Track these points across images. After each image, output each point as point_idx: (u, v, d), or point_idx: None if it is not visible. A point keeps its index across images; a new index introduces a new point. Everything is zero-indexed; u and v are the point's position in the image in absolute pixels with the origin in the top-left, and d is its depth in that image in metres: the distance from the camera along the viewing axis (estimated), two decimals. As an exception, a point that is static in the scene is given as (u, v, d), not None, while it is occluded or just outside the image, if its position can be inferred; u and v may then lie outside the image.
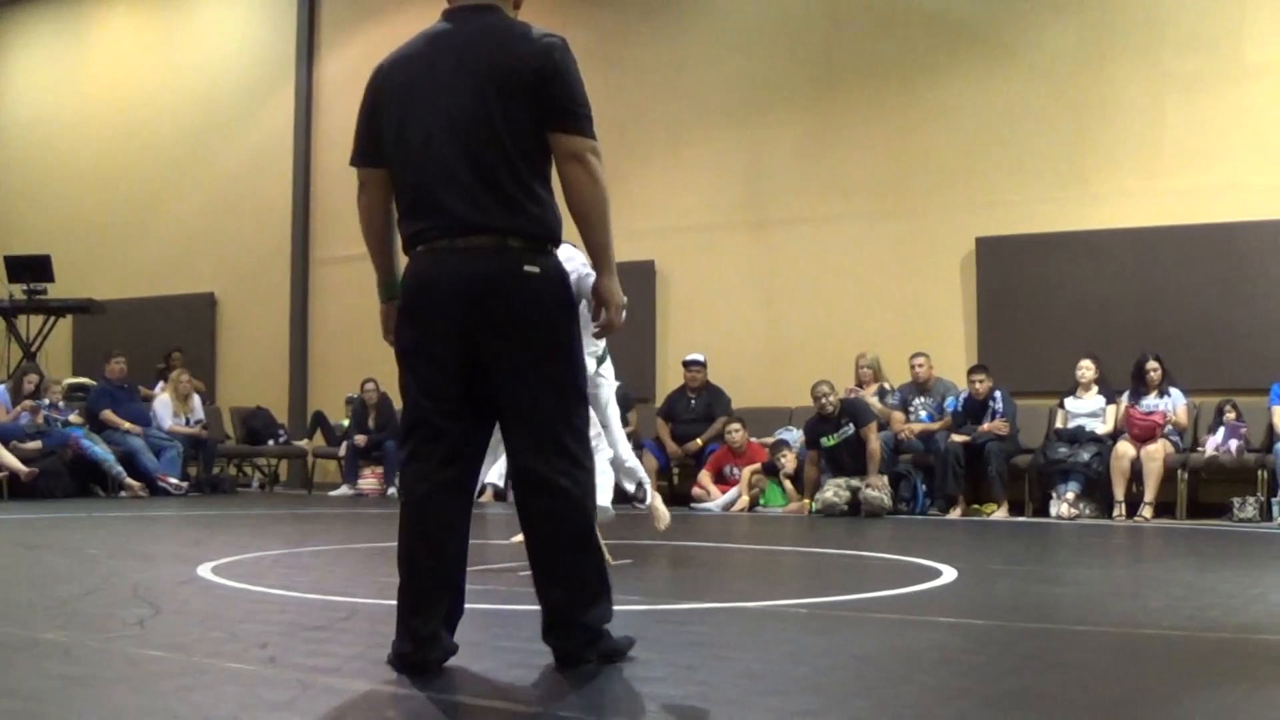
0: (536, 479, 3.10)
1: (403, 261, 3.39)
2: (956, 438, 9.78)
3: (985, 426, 9.82)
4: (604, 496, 5.67)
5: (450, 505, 3.15)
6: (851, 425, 9.83)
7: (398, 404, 13.51)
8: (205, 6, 15.57)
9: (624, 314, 3.21)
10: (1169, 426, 9.45)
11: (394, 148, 3.25)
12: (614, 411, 6.71)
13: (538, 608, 4.24)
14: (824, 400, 9.85)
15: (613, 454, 7.15)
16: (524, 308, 3.08)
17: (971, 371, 10.17)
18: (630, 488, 7.12)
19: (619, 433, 6.82)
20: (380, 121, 3.29)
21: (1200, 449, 9.45)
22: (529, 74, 3.08)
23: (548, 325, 3.10)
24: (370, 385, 12.54)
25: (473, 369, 3.11)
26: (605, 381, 6.49)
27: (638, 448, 9.13)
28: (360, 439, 12.31)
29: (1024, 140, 10.82)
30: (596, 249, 3.17)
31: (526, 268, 3.07)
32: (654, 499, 6.47)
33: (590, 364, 6.22)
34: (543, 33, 3.16)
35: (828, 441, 9.89)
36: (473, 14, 3.26)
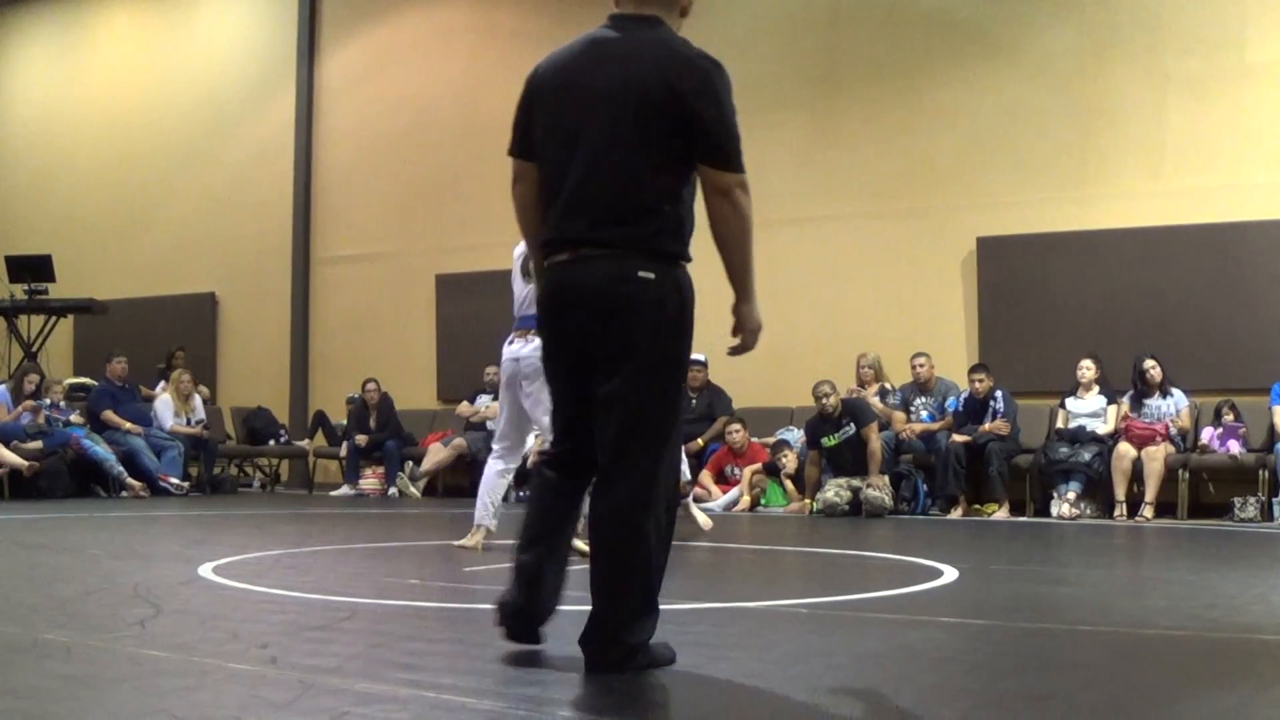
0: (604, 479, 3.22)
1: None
2: (958, 438, 9.79)
3: (986, 426, 9.82)
4: None
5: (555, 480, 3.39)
6: (852, 425, 9.83)
7: (401, 404, 13.43)
8: (205, 6, 15.58)
9: (757, 338, 3.33)
10: (1174, 431, 9.45)
11: (543, 147, 3.27)
12: None
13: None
14: (825, 400, 9.85)
15: None
16: (633, 312, 3.14)
17: (972, 371, 10.17)
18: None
19: None
20: (532, 118, 3.30)
21: (1201, 448, 9.45)
22: (679, 97, 3.15)
23: (646, 326, 3.15)
24: (371, 385, 12.54)
25: (589, 367, 3.22)
26: None
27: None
28: (361, 439, 12.32)
29: (1025, 140, 10.82)
30: (736, 276, 3.24)
31: (641, 274, 3.13)
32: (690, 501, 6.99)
33: None
34: (701, 55, 3.24)
35: (829, 441, 9.89)
36: (636, 25, 3.26)
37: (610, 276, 3.12)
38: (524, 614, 3.31)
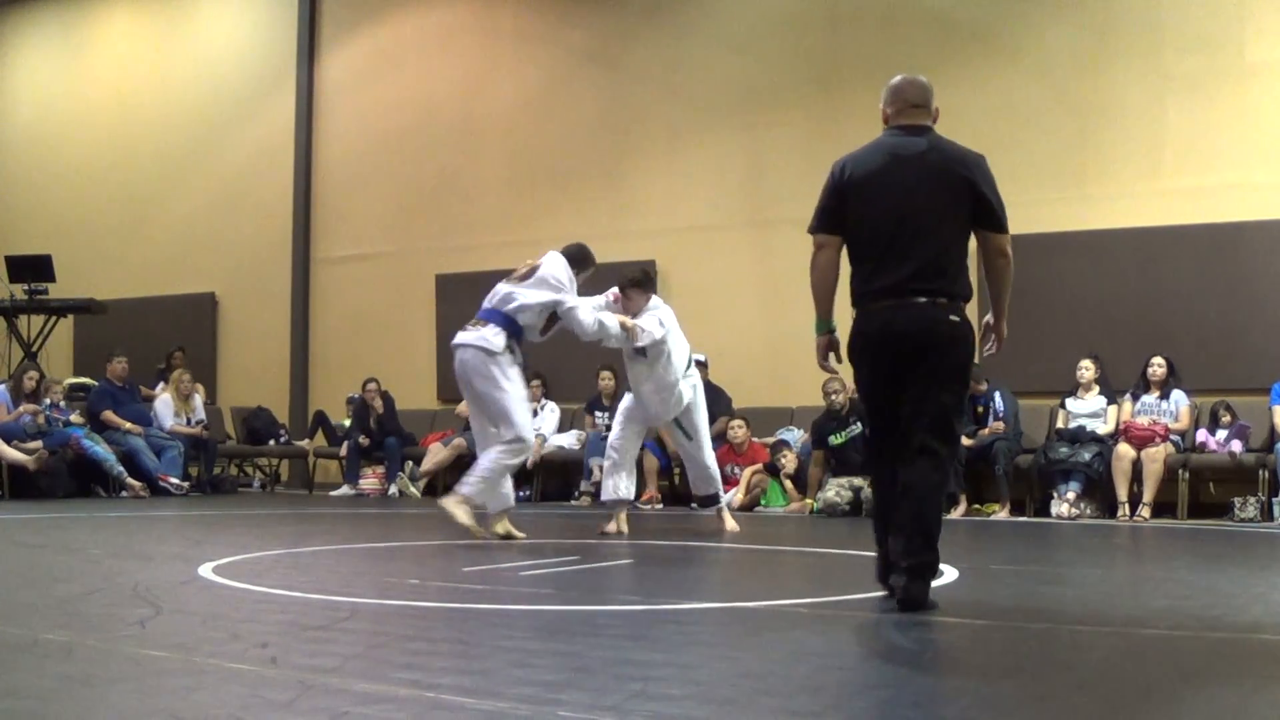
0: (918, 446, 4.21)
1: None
2: (965, 441, 9.76)
3: (986, 430, 9.83)
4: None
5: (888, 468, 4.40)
6: (859, 423, 9.83)
7: (401, 404, 13.37)
8: (205, 6, 15.58)
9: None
10: (1174, 434, 9.45)
11: (859, 225, 4.41)
12: (703, 416, 7.76)
13: (538, 608, 4.24)
14: (834, 397, 9.85)
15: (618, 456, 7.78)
16: (946, 345, 4.28)
17: None
18: (710, 491, 7.74)
19: (706, 436, 7.89)
20: (844, 204, 4.43)
21: (1197, 446, 9.45)
22: (969, 183, 4.36)
23: (954, 355, 4.33)
24: (371, 385, 12.55)
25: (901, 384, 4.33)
26: (693, 386, 7.57)
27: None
28: (363, 439, 12.32)
29: (1025, 141, 10.81)
30: (1000, 305, 4.46)
31: (951, 318, 4.28)
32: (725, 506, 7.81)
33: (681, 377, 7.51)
34: (969, 150, 4.52)
35: (836, 439, 9.89)
36: (918, 132, 4.46)
37: (931, 318, 4.26)
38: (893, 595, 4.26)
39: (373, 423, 12.42)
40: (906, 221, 4.27)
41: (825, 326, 4.58)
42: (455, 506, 6.60)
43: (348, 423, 13.01)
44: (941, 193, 4.30)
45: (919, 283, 4.24)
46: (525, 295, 6.80)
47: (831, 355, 4.62)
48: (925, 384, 4.23)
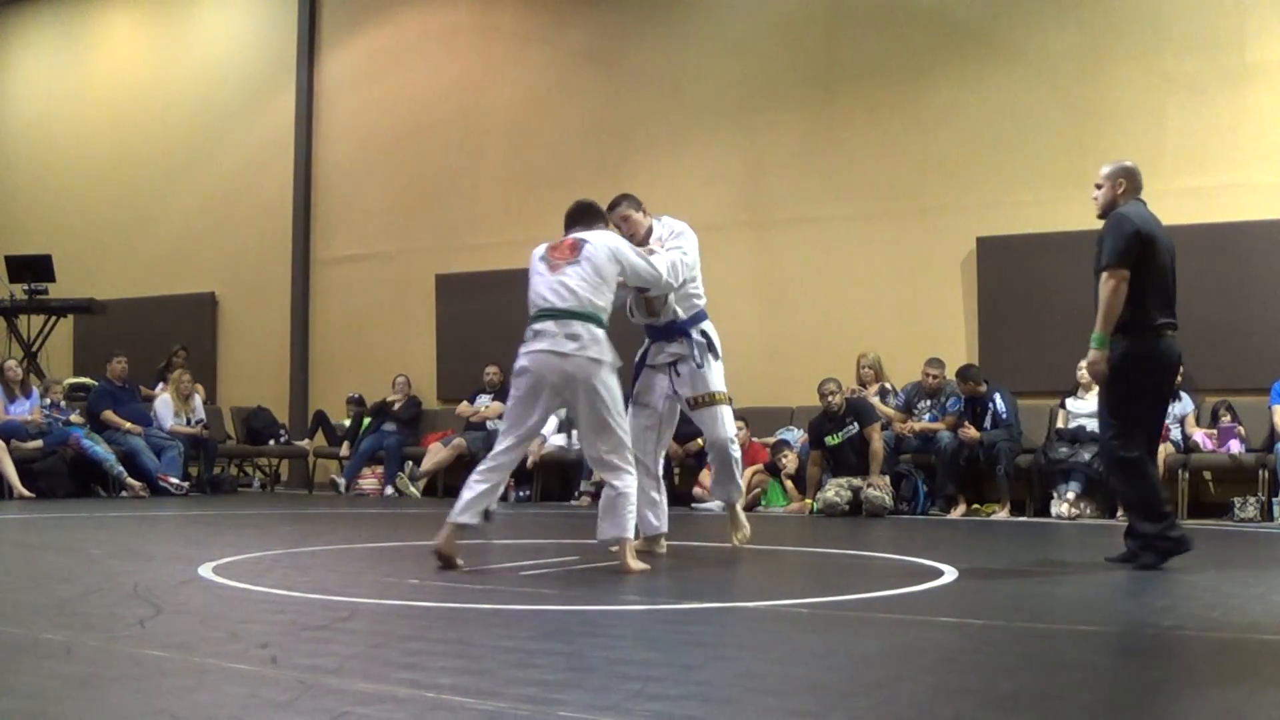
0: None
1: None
2: (971, 432, 9.74)
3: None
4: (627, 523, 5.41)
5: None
6: (856, 424, 9.83)
7: (431, 404, 13.29)
8: (205, 6, 15.58)
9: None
10: (1173, 432, 9.44)
11: (1149, 270, 5.65)
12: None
13: (538, 608, 4.25)
14: (830, 398, 9.85)
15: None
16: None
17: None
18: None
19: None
20: (1143, 250, 5.60)
21: (1196, 447, 9.45)
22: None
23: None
24: (401, 379, 12.65)
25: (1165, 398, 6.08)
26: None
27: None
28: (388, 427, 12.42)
29: (1025, 140, 10.82)
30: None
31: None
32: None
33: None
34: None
35: (832, 440, 9.89)
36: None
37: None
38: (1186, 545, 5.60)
39: (401, 413, 12.51)
40: (1170, 272, 5.73)
41: (1103, 343, 5.57)
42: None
43: (347, 422, 13.02)
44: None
45: (1175, 320, 5.75)
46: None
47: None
48: (1173, 398, 5.70)
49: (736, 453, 6.41)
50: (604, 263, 5.51)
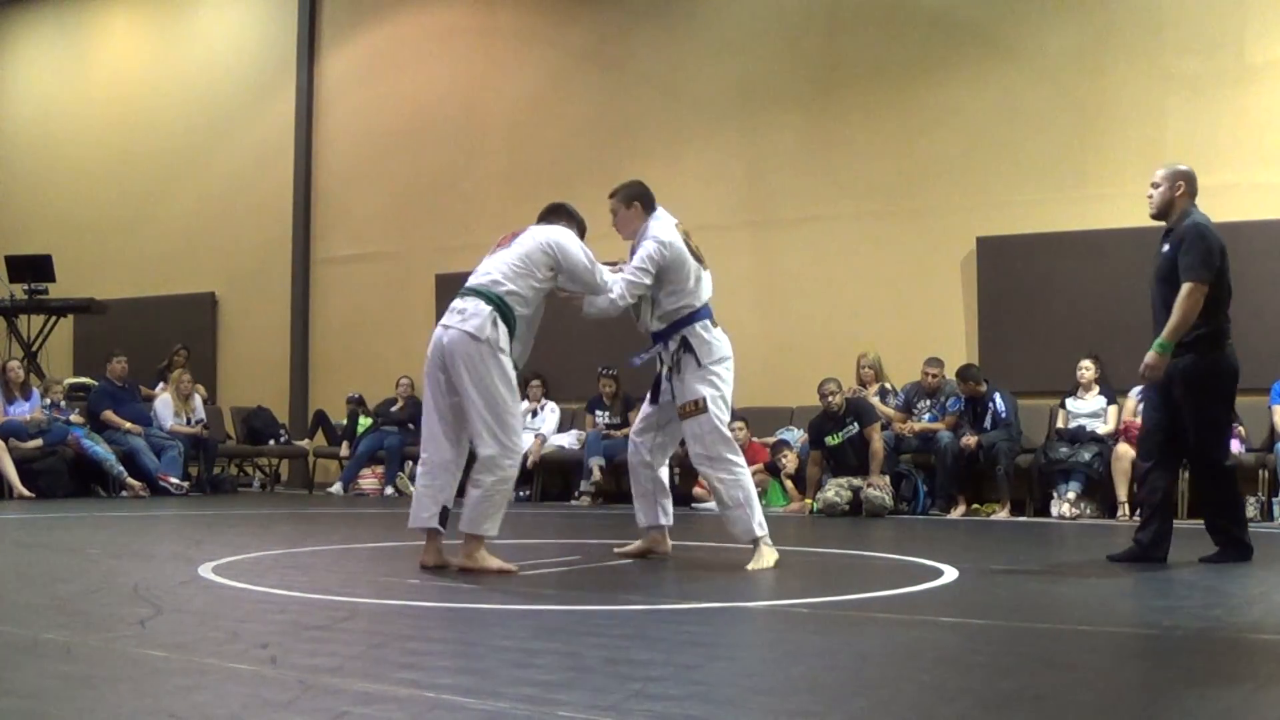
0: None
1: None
2: (971, 441, 9.74)
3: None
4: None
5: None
6: (856, 424, 9.83)
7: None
8: (205, 6, 15.59)
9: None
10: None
11: (1222, 284, 5.81)
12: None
13: (538, 607, 4.25)
14: (830, 398, 9.85)
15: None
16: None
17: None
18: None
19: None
20: (1221, 262, 5.80)
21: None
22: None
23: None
24: (405, 380, 12.66)
25: None
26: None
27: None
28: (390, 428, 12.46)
29: (1025, 140, 10.82)
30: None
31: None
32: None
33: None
34: (1193, 223, 5.80)
35: (832, 440, 9.89)
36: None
37: None
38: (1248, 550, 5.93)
39: (403, 414, 12.51)
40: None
41: (1167, 350, 5.72)
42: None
43: (345, 422, 13.02)
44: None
45: None
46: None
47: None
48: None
49: (739, 469, 5.76)
50: (533, 251, 5.42)
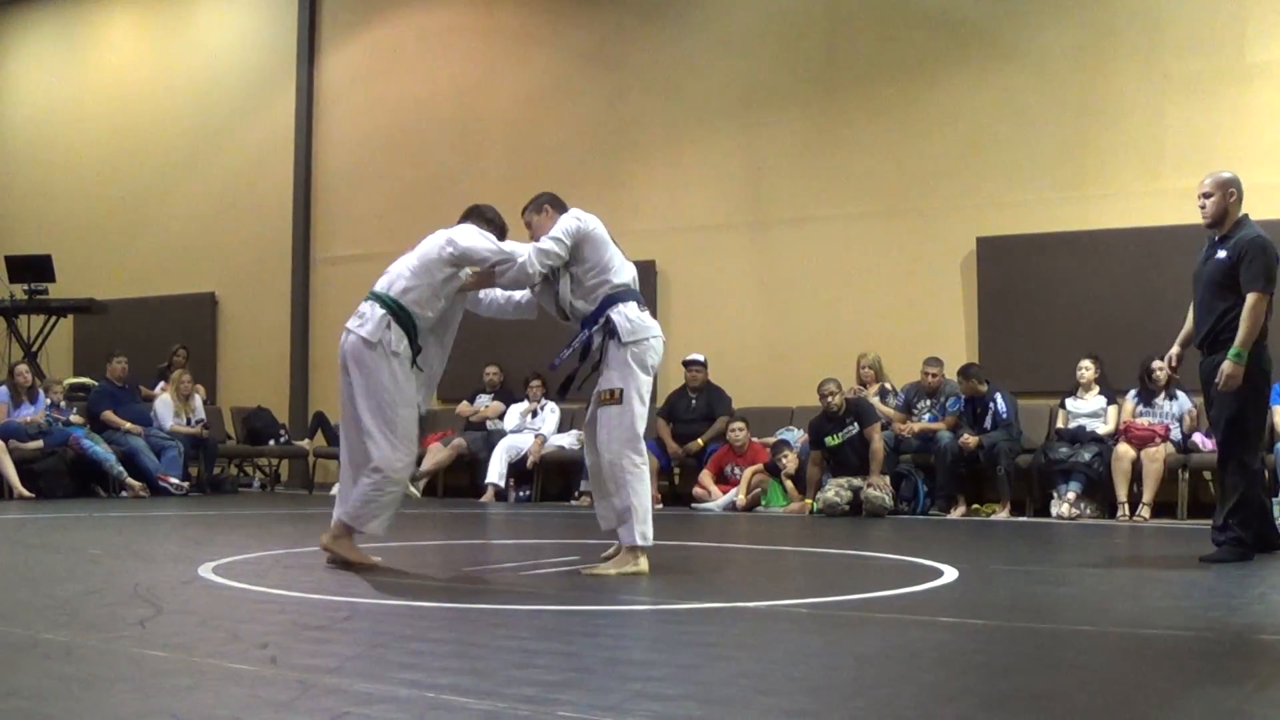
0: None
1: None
2: (971, 441, 9.73)
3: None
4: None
5: None
6: (856, 424, 9.83)
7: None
8: (205, 6, 15.58)
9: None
10: (1175, 433, 9.44)
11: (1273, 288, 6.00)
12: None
13: (538, 607, 4.26)
14: (830, 398, 9.85)
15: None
16: None
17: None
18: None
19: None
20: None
21: (1195, 447, 9.45)
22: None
23: None
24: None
25: None
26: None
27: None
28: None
29: (1024, 140, 10.82)
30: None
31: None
32: None
33: None
34: (1245, 234, 6.20)
35: (832, 440, 9.88)
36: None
37: None
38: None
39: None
40: None
41: (1242, 358, 5.92)
42: None
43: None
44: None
45: None
46: None
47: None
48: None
49: (633, 470, 5.30)
50: (429, 250, 5.54)
